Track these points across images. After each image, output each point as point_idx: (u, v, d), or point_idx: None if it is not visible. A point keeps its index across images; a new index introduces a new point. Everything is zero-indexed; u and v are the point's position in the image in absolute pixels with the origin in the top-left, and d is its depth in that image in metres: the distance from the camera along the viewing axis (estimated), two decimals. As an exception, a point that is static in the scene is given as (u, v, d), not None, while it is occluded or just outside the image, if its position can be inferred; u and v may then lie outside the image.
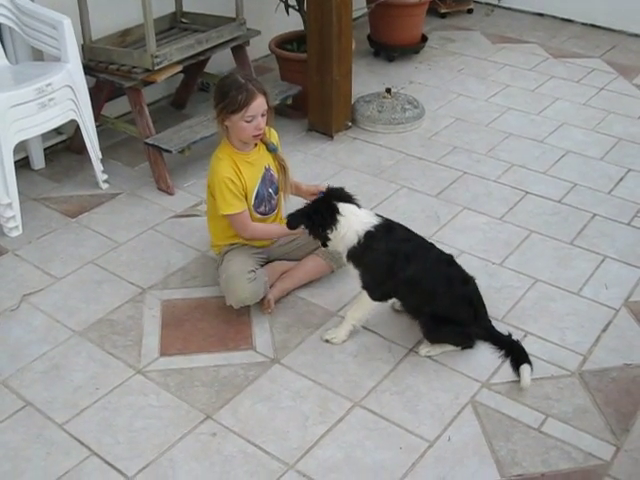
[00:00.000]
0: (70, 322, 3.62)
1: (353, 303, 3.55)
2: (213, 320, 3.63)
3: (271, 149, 3.69)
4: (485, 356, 3.40)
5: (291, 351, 3.45)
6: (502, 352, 3.39)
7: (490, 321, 3.47)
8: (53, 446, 3.00)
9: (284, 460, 2.93)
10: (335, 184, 4.59)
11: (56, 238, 4.22)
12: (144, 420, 3.11)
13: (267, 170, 3.68)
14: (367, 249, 3.29)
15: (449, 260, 3.43)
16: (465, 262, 3.90)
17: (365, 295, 3.41)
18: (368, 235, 3.29)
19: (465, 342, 3.42)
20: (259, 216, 3.69)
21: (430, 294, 3.32)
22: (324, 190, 3.51)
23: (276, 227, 3.75)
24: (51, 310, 3.70)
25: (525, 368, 3.27)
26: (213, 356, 3.43)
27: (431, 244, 3.46)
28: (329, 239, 3.34)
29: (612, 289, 3.80)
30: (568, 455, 2.94)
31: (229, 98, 3.41)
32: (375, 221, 3.33)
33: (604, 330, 3.55)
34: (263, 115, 3.48)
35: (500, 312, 3.63)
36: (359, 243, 3.28)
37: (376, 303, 3.44)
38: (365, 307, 3.46)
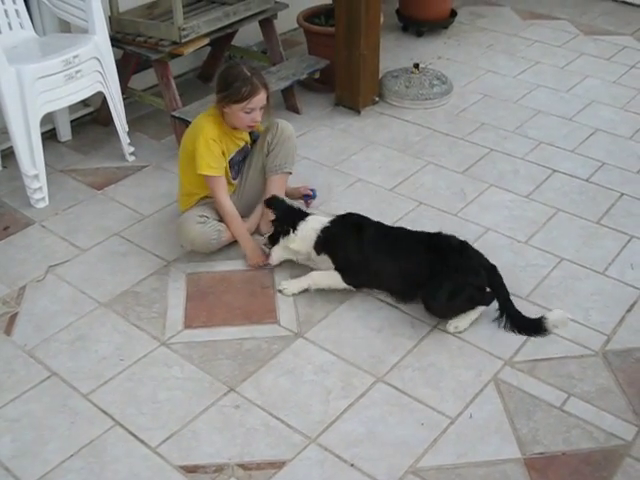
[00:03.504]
0: (95, 293, 3.65)
1: (324, 271, 3.62)
2: (237, 293, 3.65)
3: (254, 137, 4.01)
4: (508, 334, 3.38)
5: (315, 325, 3.46)
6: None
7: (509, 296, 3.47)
8: (77, 416, 3.03)
9: (306, 434, 2.95)
10: (361, 159, 4.65)
11: (82, 210, 4.24)
12: (168, 391, 3.14)
13: (246, 145, 3.98)
14: (329, 238, 3.56)
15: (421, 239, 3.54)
16: (490, 240, 3.91)
17: (337, 275, 3.54)
18: (325, 229, 3.56)
19: (480, 301, 3.43)
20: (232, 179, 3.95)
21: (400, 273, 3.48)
22: (309, 192, 4.14)
23: (240, 224, 3.85)
24: (77, 281, 3.73)
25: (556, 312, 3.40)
26: (237, 329, 3.45)
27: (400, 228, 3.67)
28: (292, 238, 3.61)
29: (638, 269, 3.77)
30: (589, 435, 2.93)
31: (233, 88, 3.62)
32: (327, 220, 3.62)
33: (629, 310, 3.53)
34: (261, 109, 3.74)
35: (525, 290, 3.61)
36: (319, 237, 3.56)
37: (345, 285, 3.56)
38: (332, 283, 3.58)
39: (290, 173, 4.02)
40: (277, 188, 3.95)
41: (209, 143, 3.67)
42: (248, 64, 3.86)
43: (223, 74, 3.74)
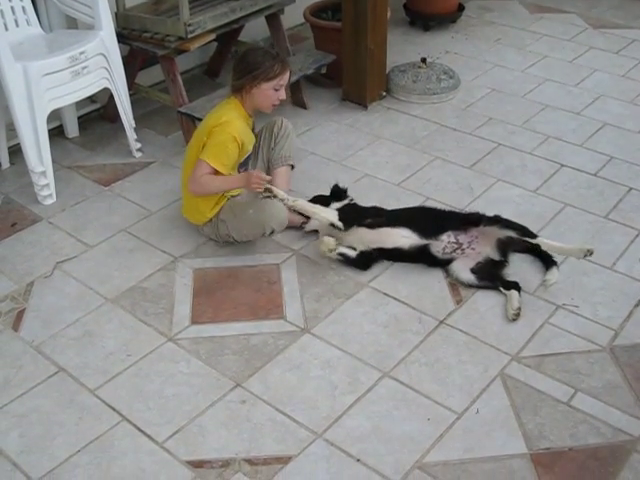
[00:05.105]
0: (102, 289, 3.66)
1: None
2: (244, 289, 3.65)
3: (253, 127, 4.00)
4: (515, 329, 3.38)
5: (321, 321, 3.46)
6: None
7: None
8: (85, 411, 3.04)
9: (312, 429, 2.95)
10: (368, 154, 4.66)
11: (89, 206, 4.25)
12: (174, 387, 3.14)
13: (255, 144, 4.02)
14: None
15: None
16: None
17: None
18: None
19: None
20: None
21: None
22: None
23: (226, 179, 3.75)
24: (84, 277, 3.73)
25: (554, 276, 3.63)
26: (244, 325, 3.45)
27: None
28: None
29: (646, 264, 3.77)
30: (597, 430, 2.92)
31: (266, 66, 3.69)
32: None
33: (637, 305, 3.51)
34: (286, 88, 3.83)
35: (532, 285, 3.61)
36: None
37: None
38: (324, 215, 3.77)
39: (293, 166, 4.11)
40: (284, 180, 4.05)
41: (231, 142, 3.64)
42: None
43: (248, 56, 3.75)
